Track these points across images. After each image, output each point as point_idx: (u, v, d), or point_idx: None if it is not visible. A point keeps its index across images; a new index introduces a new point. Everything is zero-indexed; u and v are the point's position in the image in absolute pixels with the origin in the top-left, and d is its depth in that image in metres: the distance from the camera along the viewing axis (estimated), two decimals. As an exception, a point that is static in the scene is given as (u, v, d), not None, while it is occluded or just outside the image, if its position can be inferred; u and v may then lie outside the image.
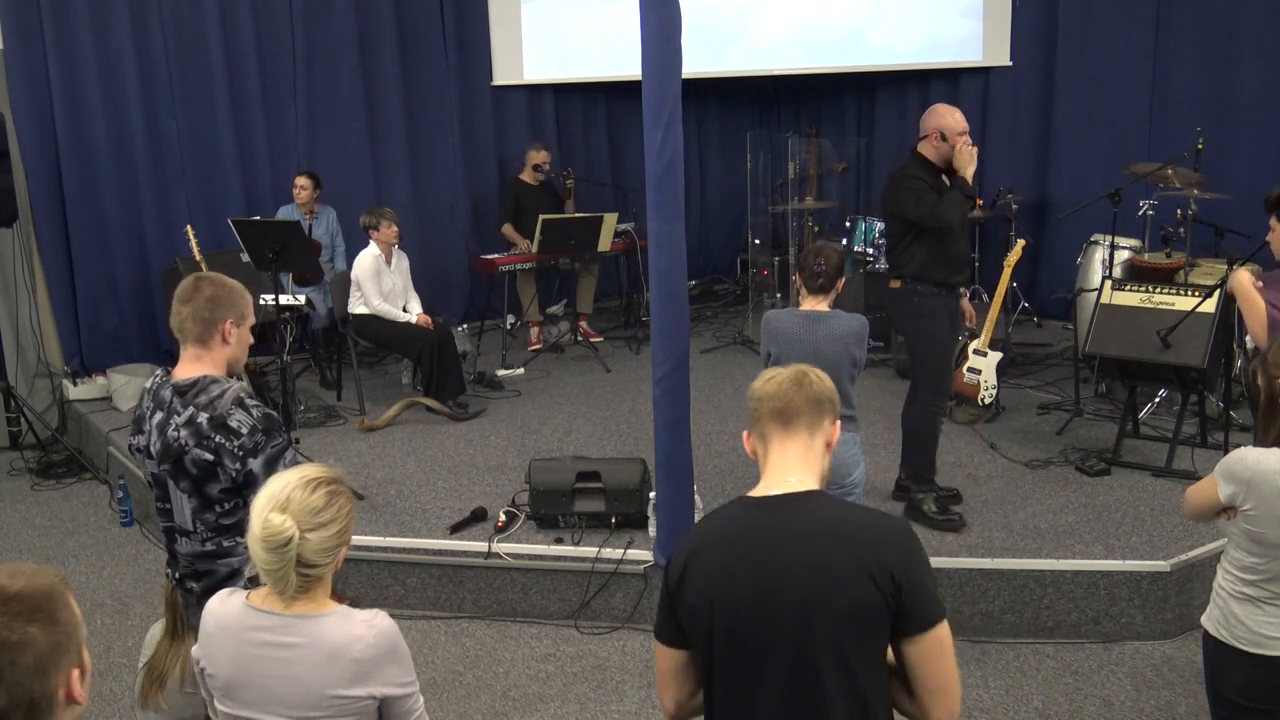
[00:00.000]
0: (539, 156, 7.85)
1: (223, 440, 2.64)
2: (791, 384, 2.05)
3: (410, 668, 2.12)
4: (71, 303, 6.92)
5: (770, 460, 2.04)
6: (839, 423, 2.10)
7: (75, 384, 6.87)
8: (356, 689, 2.03)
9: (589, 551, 4.44)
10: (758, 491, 2.02)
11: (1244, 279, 3.71)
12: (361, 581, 4.60)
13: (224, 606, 2.12)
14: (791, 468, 2.02)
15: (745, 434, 2.11)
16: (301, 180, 7.07)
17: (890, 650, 1.95)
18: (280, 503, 1.99)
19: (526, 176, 7.87)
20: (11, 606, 1.43)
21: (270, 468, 2.63)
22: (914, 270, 4.54)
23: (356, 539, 4.54)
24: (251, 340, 2.86)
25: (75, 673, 1.49)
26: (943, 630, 1.91)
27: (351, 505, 2.10)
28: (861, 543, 1.89)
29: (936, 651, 1.91)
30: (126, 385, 6.53)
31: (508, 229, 7.83)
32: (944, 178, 4.51)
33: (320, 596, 2.08)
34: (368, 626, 2.06)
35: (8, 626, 1.42)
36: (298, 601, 2.05)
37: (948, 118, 4.48)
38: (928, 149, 4.51)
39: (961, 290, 4.78)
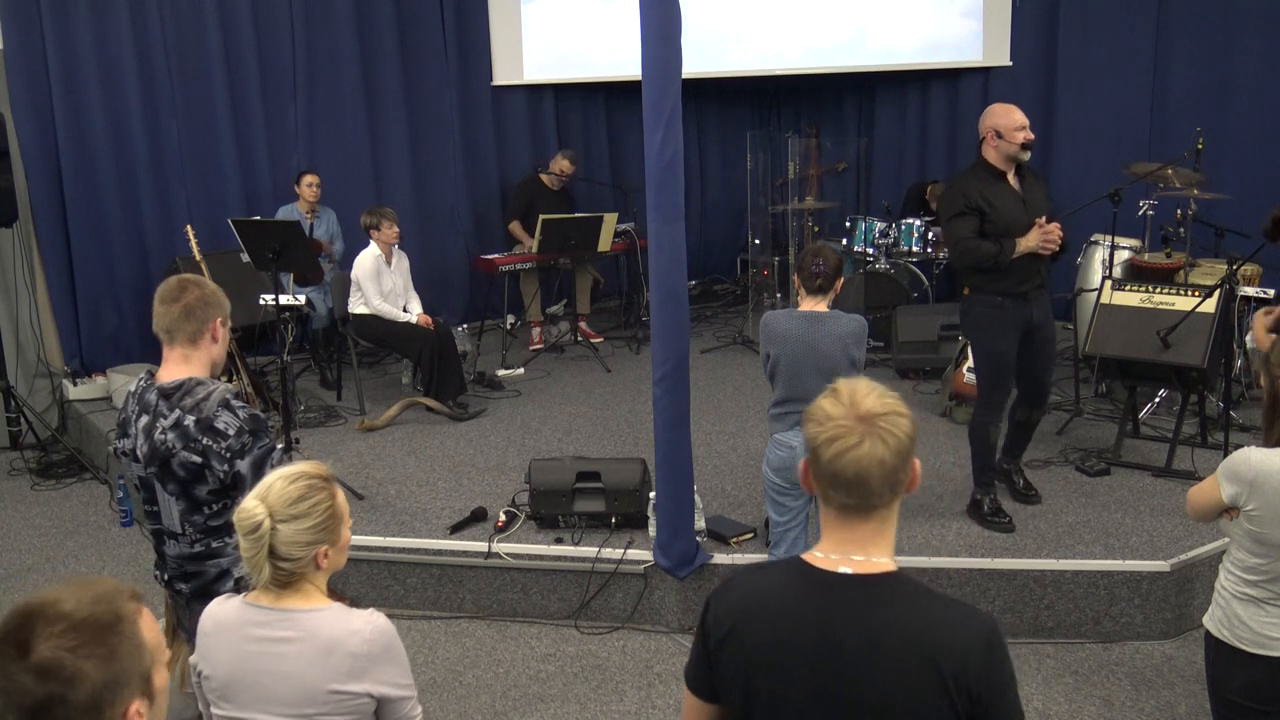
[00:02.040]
0: (562, 164, 7.87)
1: (210, 442, 2.63)
2: (869, 460, 1.64)
3: (407, 670, 2.11)
4: (71, 303, 6.93)
5: (838, 526, 1.72)
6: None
7: (75, 384, 6.87)
8: (354, 684, 2.02)
9: (589, 551, 4.44)
10: (823, 561, 1.70)
11: (1261, 335, 3.69)
12: (361, 581, 4.60)
13: (222, 607, 2.12)
14: (866, 542, 1.70)
15: (803, 463, 1.76)
16: (312, 178, 7.06)
17: None
18: (262, 491, 2.02)
19: (546, 179, 7.88)
20: (71, 638, 1.35)
21: (258, 469, 2.63)
22: (973, 281, 4.45)
23: (356, 539, 4.56)
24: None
25: (135, 705, 1.41)
26: None
27: (335, 504, 2.07)
28: (939, 647, 1.62)
29: None
30: (126, 385, 6.47)
31: (515, 226, 7.84)
32: (1011, 178, 4.39)
33: (309, 592, 2.07)
34: (365, 622, 2.06)
35: (61, 661, 1.33)
36: (285, 596, 2.04)
37: (1001, 117, 4.32)
38: (988, 151, 4.37)
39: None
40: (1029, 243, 4.27)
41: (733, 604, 1.76)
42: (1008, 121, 4.30)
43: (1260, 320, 3.76)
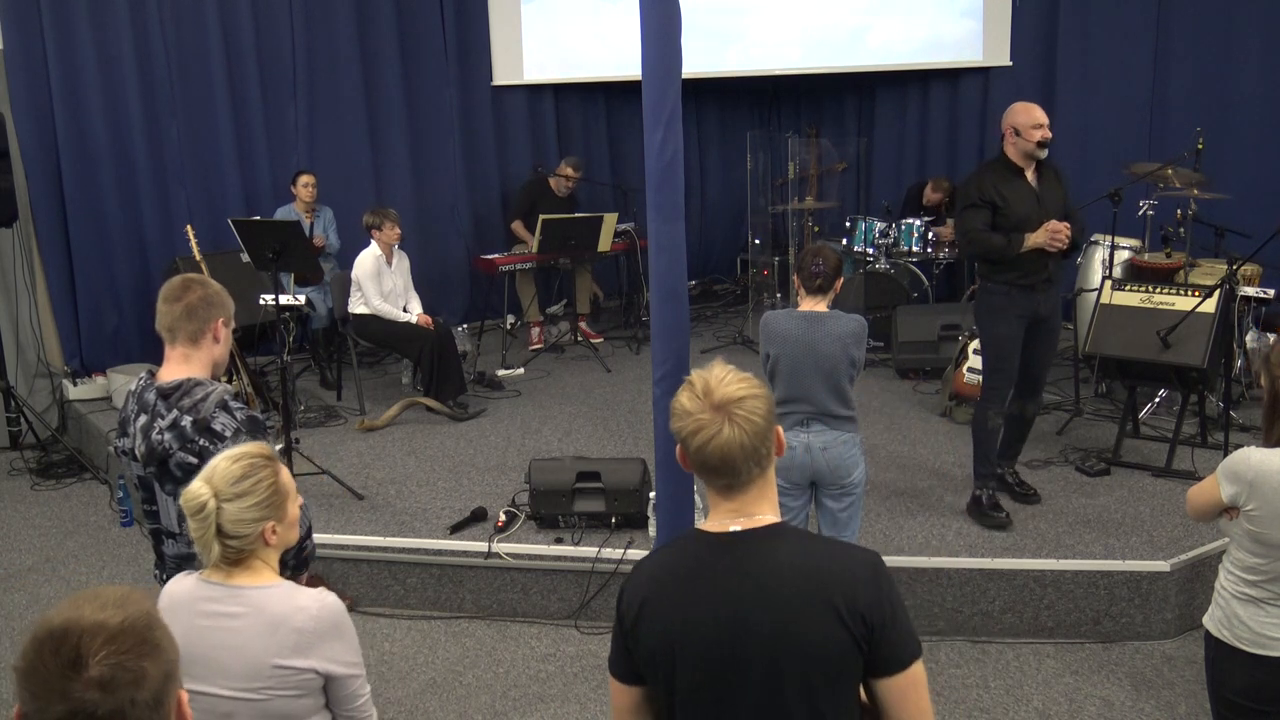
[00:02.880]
0: (567, 170, 7.87)
1: (206, 443, 2.63)
2: (731, 445, 1.78)
3: (356, 649, 2.16)
4: (71, 303, 6.93)
5: (721, 499, 1.86)
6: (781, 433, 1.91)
7: (75, 384, 6.87)
8: (298, 660, 2.07)
9: (589, 551, 4.44)
10: (713, 525, 1.85)
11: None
12: (361, 581, 4.60)
13: (179, 585, 2.18)
14: (748, 506, 1.84)
15: (679, 449, 1.88)
16: (308, 178, 7.07)
17: (863, 690, 1.83)
18: (207, 473, 2.09)
19: (554, 183, 7.89)
20: (120, 644, 1.38)
21: None
22: (984, 270, 4.62)
23: (356, 539, 4.59)
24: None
25: (183, 693, 1.47)
26: (917, 670, 1.79)
27: (278, 481, 2.12)
28: (826, 582, 1.76)
29: (912, 692, 1.79)
30: (126, 385, 6.47)
31: (517, 225, 7.84)
32: (1030, 174, 4.50)
33: (259, 569, 2.13)
34: (312, 600, 2.11)
35: (122, 667, 1.37)
36: (235, 573, 2.11)
37: (1020, 115, 4.45)
38: (1008, 147, 4.51)
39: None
40: (1036, 239, 4.39)
41: (639, 585, 1.88)
42: (1026, 119, 4.44)
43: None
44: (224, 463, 2.09)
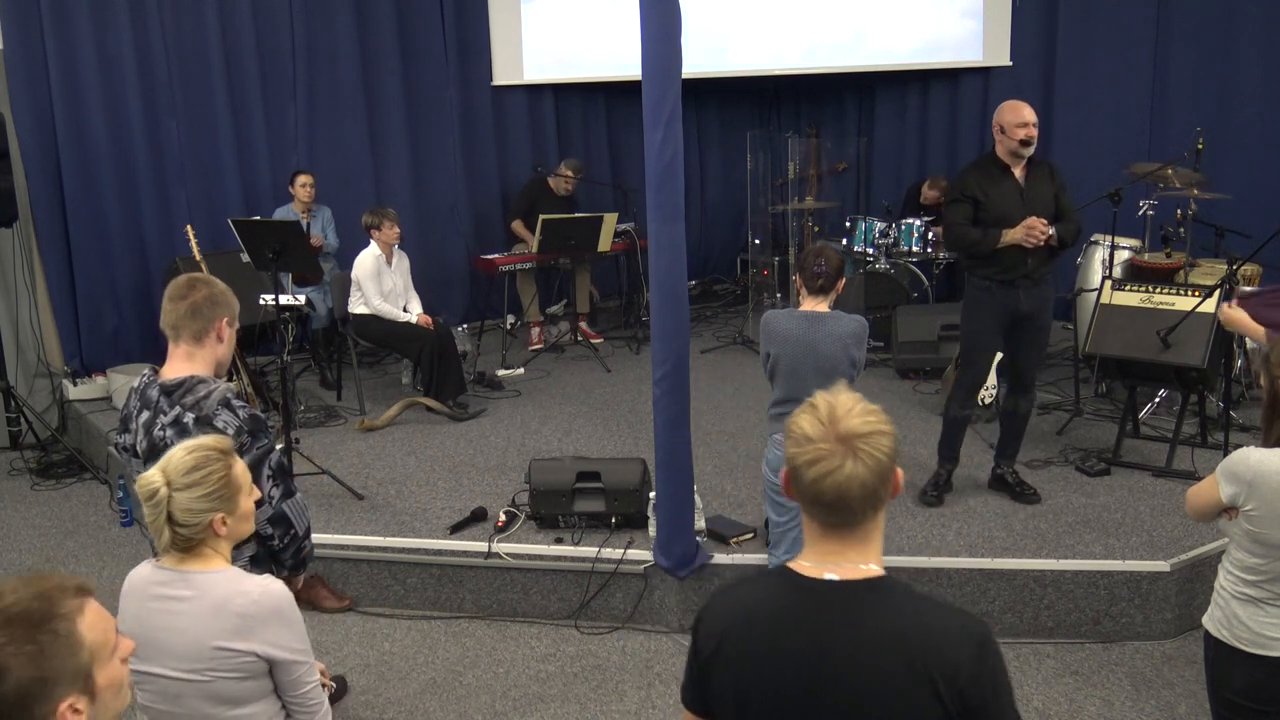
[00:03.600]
0: (566, 171, 7.88)
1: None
2: (850, 483, 1.61)
3: (301, 635, 2.21)
4: (71, 303, 6.93)
5: (821, 538, 1.69)
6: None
7: (75, 384, 6.87)
8: (238, 643, 2.13)
9: (589, 551, 4.44)
10: (807, 567, 1.68)
11: (1230, 314, 3.69)
12: (361, 581, 4.60)
13: (138, 570, 2.26)
14: (850, 550, 1.67)
15: (784, 474, 1.72)
16: (305, 178, 7.07)
17: None
18: (163, 461, 2.15)
19: (554, 183, 7.89)
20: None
21: (256, 469, 2.64)
22: (967, 265, 4.77)
23: (356, 539, 4.59)
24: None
25: (69, 703, 1.42)
26: None
27: (230, 475, 2.17)
28: (926, 651, 1.59)
29: None
30: (126, 385, 6.50)
31: (517, 225, 7.84)
32: (1019, 171, 4.58)
33: (209, 557, 2.18)
34: (256, 585, 2.18)
35: None
36: (187, 559, 2.17)
37: (1007, 113, 4.56)
38: (997, 145, 4.61)
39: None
40: (1013, 235, 4.49)
41: (720, 617, 1.74)
42: (1011, 118, 4.53)
43: (1233, 313, 3.72)
44: (179, 453, 2.15)
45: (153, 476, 2.12)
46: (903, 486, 1.71)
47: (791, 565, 1.71)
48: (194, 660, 2.14)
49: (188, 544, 2.16)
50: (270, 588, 2.18)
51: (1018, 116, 4.50)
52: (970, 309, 4.74)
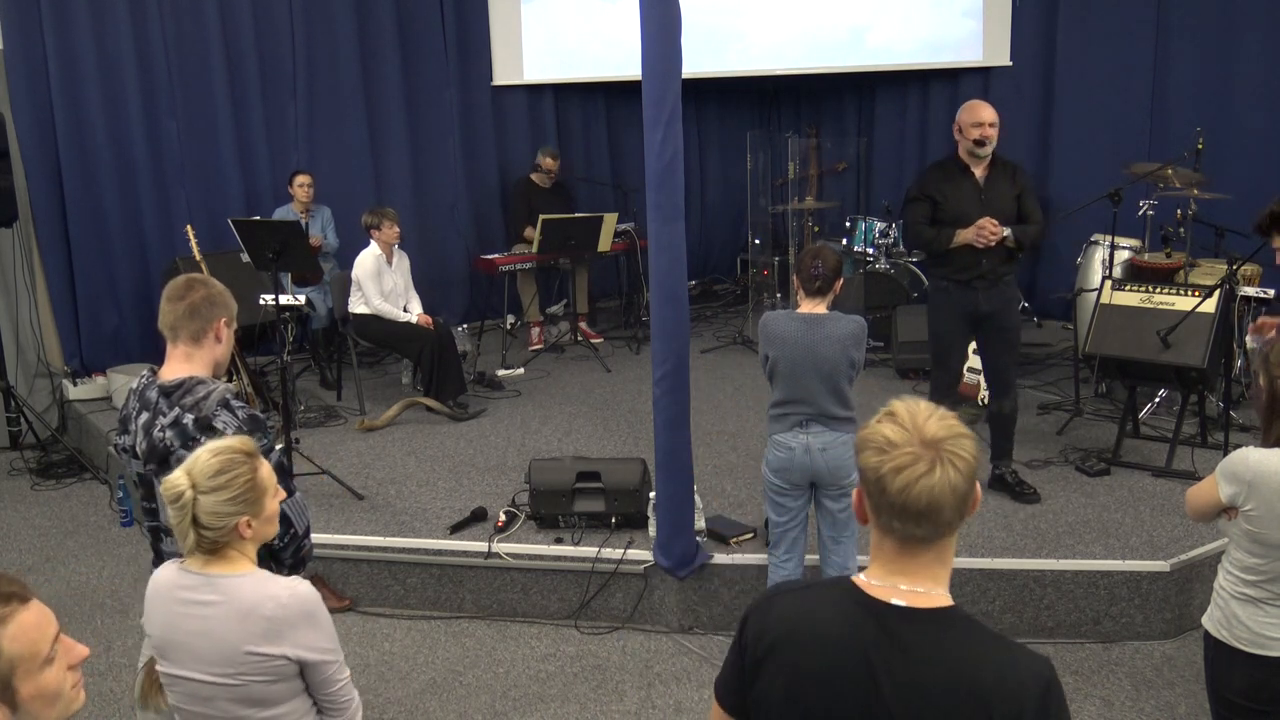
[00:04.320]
0: (546, 162, 7.87)
1: (208, 441, 2.63)
2: (943, 488, 1.54)
3: (331, 635, 2.20)
4: (71, 303, 6.93)
5: (897, 555, 1.61)
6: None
7: (75, 384, 6.87)
8: (269, 647, 2.12)
9: (589, 551, 4.44)
10: (876, 589, 1.61)
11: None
12: (361, 581, 4.60)
13: (162, 572, 2.25)
14: (922, 572, 1.60)
15: (857, 494, 1.65)
16: (304, 178, 7.07)
17: None
18: (189, 464, 2.14)
19: (537, 178, 7.89)
20: None
21: None
22: (927, 264, 4.86)
23: (356, 539, 4.59)
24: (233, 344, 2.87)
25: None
26: None
27: (255, 478, 2.16)
28: (989, 693, 1.53)
29: None
30: (126, 385, 6.50)
31: (530, 231, 7.85)
32: (980, 172, 4.62)
33: (235, 559, 2.17)
34: (284, 588, 2.16)
35: None
36: (212, 562, 2.16)
37: (964, 113, 4.63)
38: (959, 144, 4.66)
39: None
40: (964, 235, 4.56)
41: (776, 621, 1.67)
42: (967, 118, 4.60)
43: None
44: (204, 455, 2.14)
45: (178, 479, 2.11)
46: (980, 499, 1.63)
47: (858, 582, 1.64)
48: (225, 665, 2.13)
49: (213, 546, 2.14)
50: (298, 590, 2.17)
51: (973, 116, 4.55)
52: (932, 310, 4.84)
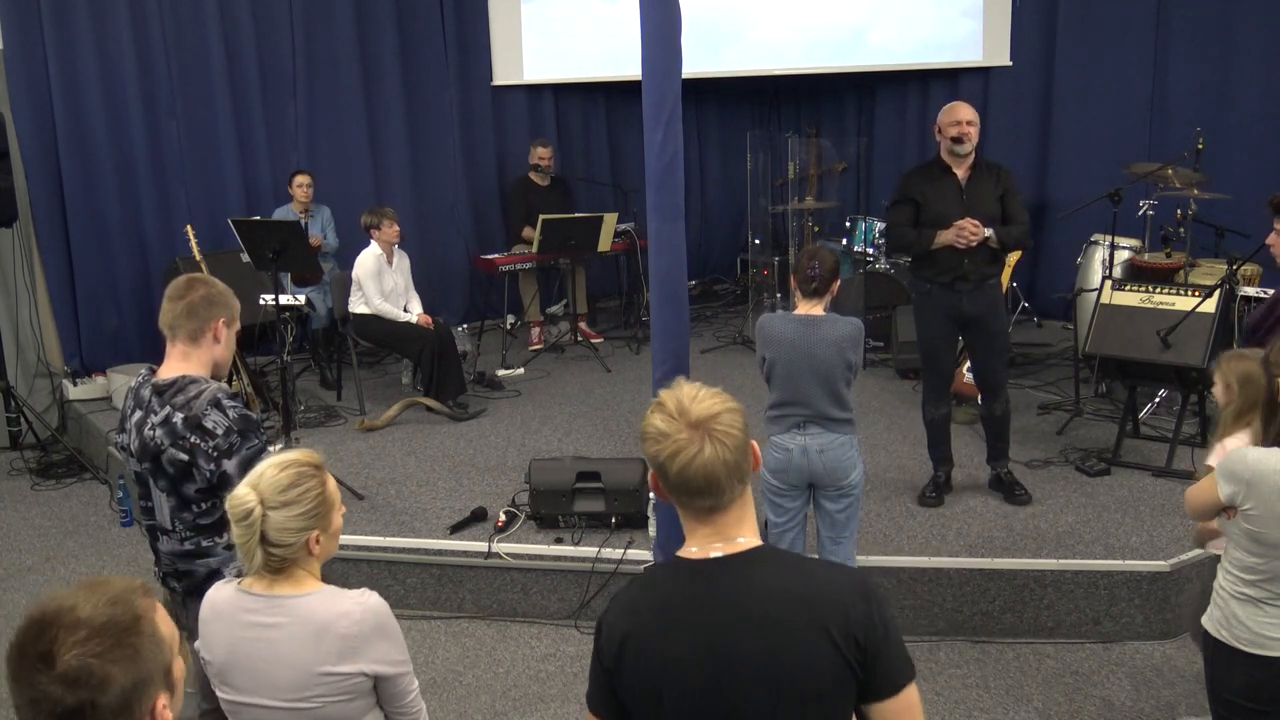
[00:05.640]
0: (539, 154, 7.86)
1: (198, 441, 2.63)
2: (715, 464, 1.71)
3: (402, 646, 2.13)
4: (71, 303, 6.93)
5: (700, 524, 1.78)
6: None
7: (75, 384, 6.87)
8: (346, 665, 2.04)
9: (589, 551, 4.44)
10: (693, 552, 1.77)
11: None
12: (361, 581, 4.58)
13: (218, 593, 2.15)
14: (729, 529, 1.76)
15: (652, 477, 1.83)
16: (303, 178, 7.07)
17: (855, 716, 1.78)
18: (254, 479, 2.04)
19: (534, 176, 7.89)
20: (94, 644, 1.36)
21: (245, 469, 2.62)
22: (911, 267, 4.83)
23: (356, 539, 4.59)
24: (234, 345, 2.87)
25: (161, 699, 1.43)
26: (911, 693, 1.73)
27: (325, 491, 2.08)
28: (816, 605, 1.69)
29: (907, 716, 1.74)
30: (126, 385, 6.51)
31: (529, 232, 7.85)
32: (962, 173, 4.61)
33: (301, 578, 2.09)
34: (355, 603, 2.08)
35: (87, 669, 1.35)
36: (278, 583, 2.07)
37: (943, 114, 4.63)
38: (940, 145, 4.65)
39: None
40: (944, 237, 4.55)
41: (619, 617, 1.79)
42: (945, 118, 4.61)
43: None
44: (271, 470, 2.04)
45: (245, 495, 2.00)
46: (761, 458, 1.83)
47: (682, 554, 1.79)
48: (300, 689, 2.04)
49: (280, 565, 2.05)
50: (369, 603, 2.09)
51: (950, 116, 4.56)
52: (917, 313, 4.86)
